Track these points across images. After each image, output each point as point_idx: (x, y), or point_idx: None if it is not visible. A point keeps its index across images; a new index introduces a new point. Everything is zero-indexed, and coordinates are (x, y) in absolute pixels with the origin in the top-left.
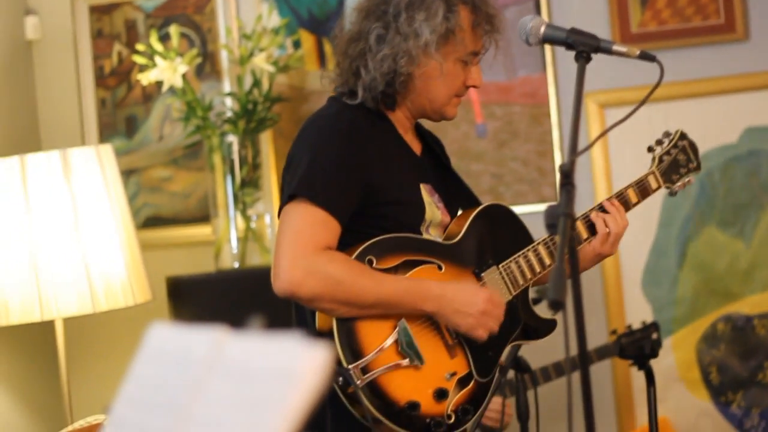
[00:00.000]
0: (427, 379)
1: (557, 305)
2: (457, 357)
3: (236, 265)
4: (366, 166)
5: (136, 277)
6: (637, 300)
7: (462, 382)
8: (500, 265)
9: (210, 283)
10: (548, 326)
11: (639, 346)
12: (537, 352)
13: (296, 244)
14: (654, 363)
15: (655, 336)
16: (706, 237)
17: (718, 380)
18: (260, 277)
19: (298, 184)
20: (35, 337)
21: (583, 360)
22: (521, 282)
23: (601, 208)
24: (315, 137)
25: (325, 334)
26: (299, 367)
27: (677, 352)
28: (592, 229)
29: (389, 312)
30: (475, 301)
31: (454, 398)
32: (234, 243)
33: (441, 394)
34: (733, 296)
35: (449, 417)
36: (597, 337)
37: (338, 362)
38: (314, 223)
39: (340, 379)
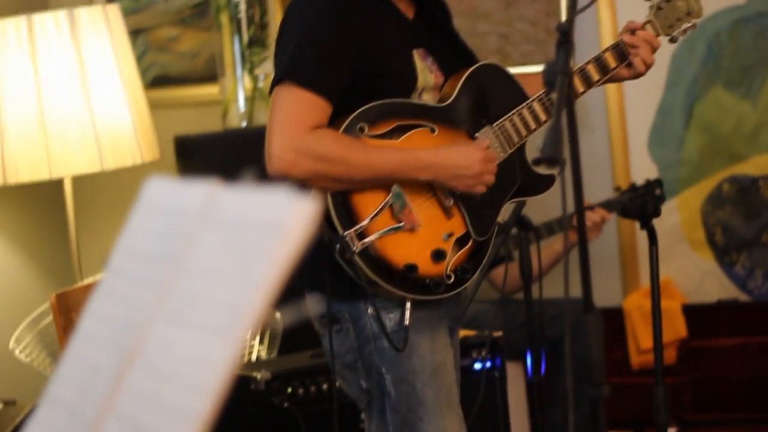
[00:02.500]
0: (424, 241)
1: (553, 162)
2: (454, 218)
3: (243, 124)
4: (353, 40)
5: (144, 135)
6: (642, 160)
7: (460, 243)
8: (494, 125)
9: (217, 142)
10: (546, 182)
11: (641, 204)
12: (539, 211)
13: (286, 126)
14: (658, 223)
15: (658, 192)
16: (712, 98)
17: (723, 241)
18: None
19: (286, 66)
20: (44, 196)
21: (581, 214)
22: (516, 140)
23: (599, 60)
24: (301, 16)
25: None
26: (288, 219)
27: (682, 213)
28: (588, 82)
29: (384, 183)
30: (469, 163)
31: (453, 258)
32: (241, 102)
33: (439, 255)
34: (738, 157)
35: (448, 277)
36: (601, 196)
37: (334, 230)
38: (303, 105)
39: (338, 246)
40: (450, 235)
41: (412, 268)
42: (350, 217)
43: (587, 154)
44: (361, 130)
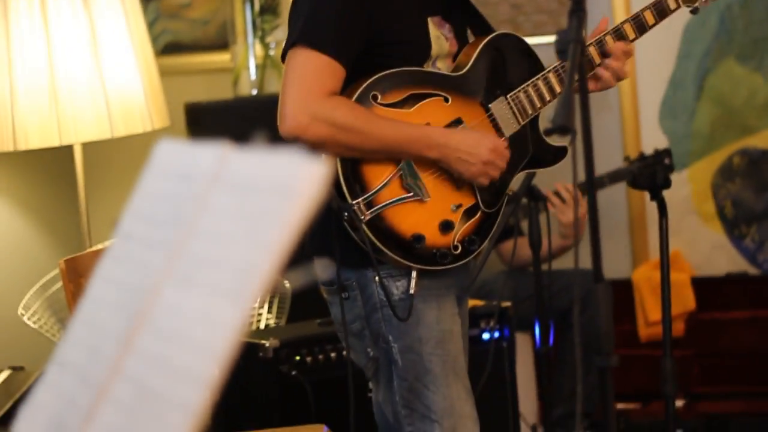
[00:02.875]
0: (432, 211)
1: (564, 130)
2: (463, 188)
3: (254, 92)
4: (368, 6)
5: (155, 102)
6: (653, 133)
7: (468, 214)
8: (508, 96)
9: (228, 110)
10: (559, 153)
11: (651, 174)
12: (549, 179)
13: (301, 90)
14: (669, 195)
15: (667, 162)
16: (724, 70)
17: (733, 214)
18: (278, 104)
19: (301, 30)
20: (54, 163)
21: (590, 184)
22: (530, 111)
23: (617, 32)
24: None
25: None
26: (298, 183)
27: (693, 185)
28: (605, 54)
29: (393, 156)
30: (478, 151)
31: (461, 229)
32: (252, 70)
33: (447, 226)
34: (749, 130)
35: (455, 248)
36: (611, 166)
37: (342, 197)
38: (318, 69)
39: (346, 214)
40: (458, 206)
41: (419, 238)
42: (360, 186)
43: (598, 126)
44: (374, 98)
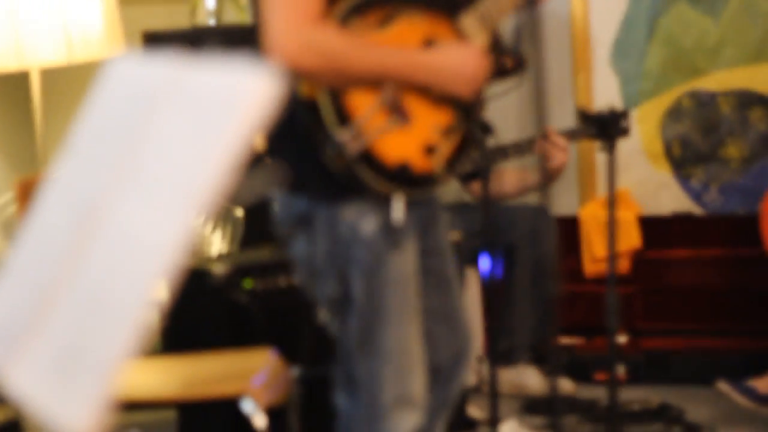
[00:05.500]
0: (416, 137)
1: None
2: (442, 108)
3: (212, 21)
4: None
5: (112, 29)
6: (605, 72)
7: (449, 132)
8: (474, 6)
9: (185, 39)
10: (519, 63)
11: (610, 135)
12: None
13: (291, 16)
14: None
15: (623, 124)
16: (676, 12)
17: (680, 154)
18: (235, 34)
19: None
20: (11, 88)
21: (541, 118)
22: (496, 19)
23: None
24: None
25: (309, 103)
26: (246, 97)
27: (642, 125)
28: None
29: (381, 82)
30: (465, 70)
31: (443, 150)
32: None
33: (431, 150)
34: (699, 72)
35: (440, 170)
36: (564, 114)
37: (323, 131)
38: None
39: (329, 148)
40: (440, 127)
41: (405, 167)
42: (342, 118)
43: (549, 66)
44: (349, 22)
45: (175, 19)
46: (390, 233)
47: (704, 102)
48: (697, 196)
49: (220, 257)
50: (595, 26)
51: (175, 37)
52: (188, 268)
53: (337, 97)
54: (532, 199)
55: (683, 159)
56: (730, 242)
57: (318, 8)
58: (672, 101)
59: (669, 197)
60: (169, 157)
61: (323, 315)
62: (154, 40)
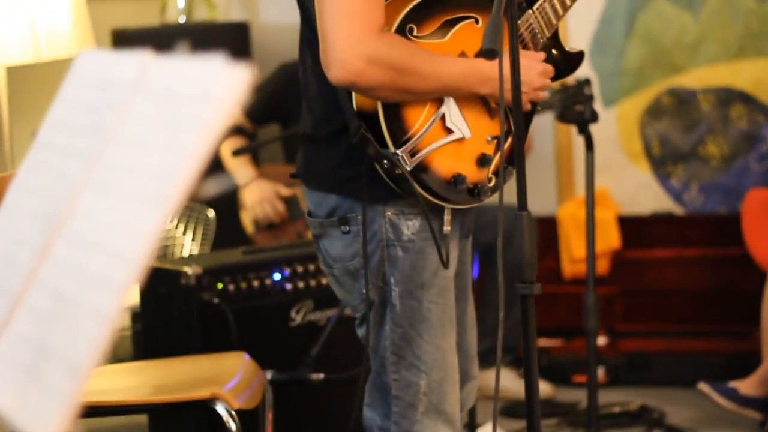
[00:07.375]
0: (471, 148)
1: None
2: (496, 116)
3: (182, 19)
4: None
5: (81, 27)
6: (582, 69)
7: (501, 142)
8: (534, 8)
9: (155, 37)
10: (577, 59)
11: (579, 111)
12: None
13: (352, 27)
14: (596, 133)
15: (587, 92)
16: (654, 8)
17: (660, 153)
18: (205, 32)
19: None
20: None
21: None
22: (555, 21)
23: None
24: None
25: (366, 114)
26: (219, 89)
27: (620, 124)
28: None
29: (445, 95)
30: (530, 78)
31: (495, 160)
32: None
33: (484, 161)
34: (678, 69)
35: (489, 180)
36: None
37: (383, 145)
38: (366, 2)
39: (385, 162)
40: (494, 137)
41: (460, 178)
42: (401, 131)
43: None
44: (410, 31)
45: (145, 17)
46: (434, 239)
47: (684, 99)
48: (677, 196)
49: (192, 258)
50: (572, 22)
51: (144, 35)
52: (159, 269)
53: (396, 108)
54: (510, 199)
55: (663, 157)
56: (711, 242)
57: (382, 19)
58: (651, 99)
59: (649, 196)
60: (141, 151)
61: (356, 323)
62: (124, 38)
